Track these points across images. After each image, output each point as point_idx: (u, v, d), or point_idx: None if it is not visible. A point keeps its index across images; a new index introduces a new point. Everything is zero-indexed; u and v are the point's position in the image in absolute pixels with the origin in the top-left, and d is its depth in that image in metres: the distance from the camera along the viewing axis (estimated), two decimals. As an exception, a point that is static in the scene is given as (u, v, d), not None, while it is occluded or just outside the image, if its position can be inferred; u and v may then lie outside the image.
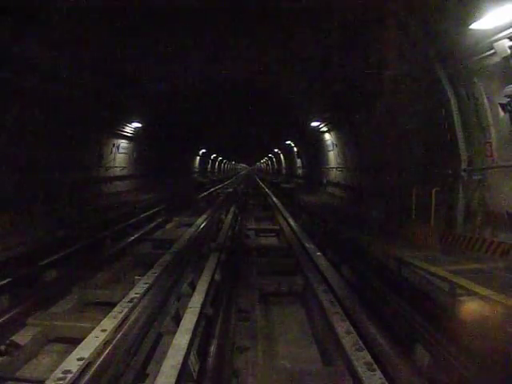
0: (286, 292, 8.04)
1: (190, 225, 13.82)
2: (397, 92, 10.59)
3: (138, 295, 6.35)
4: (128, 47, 12.03)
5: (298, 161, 34.07)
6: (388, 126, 11.73)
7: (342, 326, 5.25)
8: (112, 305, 6.07)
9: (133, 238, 12.12)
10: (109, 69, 12.84)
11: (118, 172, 19.09)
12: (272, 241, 13.33)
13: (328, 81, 14.01)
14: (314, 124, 20.03)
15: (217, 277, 7.95)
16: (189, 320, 5.31)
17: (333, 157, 20.38)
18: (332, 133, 19.26)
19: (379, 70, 10.69)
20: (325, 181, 22.07)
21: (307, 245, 10.46)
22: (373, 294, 7.21)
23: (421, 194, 9.51)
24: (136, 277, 8.08)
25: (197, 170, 45.05)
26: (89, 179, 15.80)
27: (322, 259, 8.96)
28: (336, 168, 20.04)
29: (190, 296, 6.42)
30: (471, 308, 5.41)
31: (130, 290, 6.57)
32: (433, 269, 6.52)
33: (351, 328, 5.20)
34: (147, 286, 6.89)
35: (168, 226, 15.46)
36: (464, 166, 8.54)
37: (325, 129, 19.80)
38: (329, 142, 20.55)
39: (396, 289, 6.99)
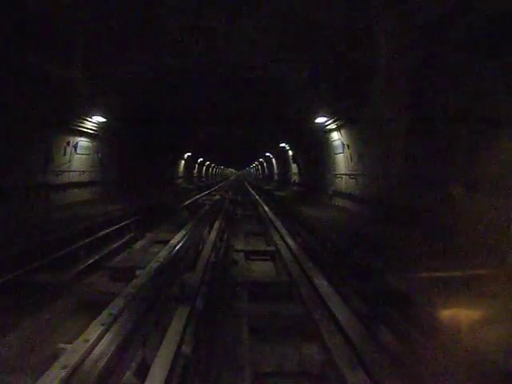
0: (294, 372, 5.16)
1: (165, 242, 10.98)
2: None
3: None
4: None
5: (294, 166, 30.79)
6: (430, 118, 8.52)
7: None
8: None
9: (83, 265, 9.20)
10: (60, 45, 9.87)
11: (75, 178, 15.55)
12: (267, 271, 10.29)
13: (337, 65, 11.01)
14: (320, 120, 16.48)
15: (185, 348, 5.02)
16: None
17: (342, 161, 16.68)
18: (342, 131, 15.75)
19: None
20: (331, 191, 18.59)
21: (317, 281, 7.59)
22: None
23: (487, 216, 6.60)
24: (60, 344, 5.21)
25: (181, 175, 41.85)
26: (34, 186, 12.42)
27: (344, 310, 6.07)
28: (348, 175, 16.15)
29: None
30: None
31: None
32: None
33: None
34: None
35: (137, 246, 12.34)
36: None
37: (333, 126, 16.14)
38: (337, 143, 16.87)
39: None
